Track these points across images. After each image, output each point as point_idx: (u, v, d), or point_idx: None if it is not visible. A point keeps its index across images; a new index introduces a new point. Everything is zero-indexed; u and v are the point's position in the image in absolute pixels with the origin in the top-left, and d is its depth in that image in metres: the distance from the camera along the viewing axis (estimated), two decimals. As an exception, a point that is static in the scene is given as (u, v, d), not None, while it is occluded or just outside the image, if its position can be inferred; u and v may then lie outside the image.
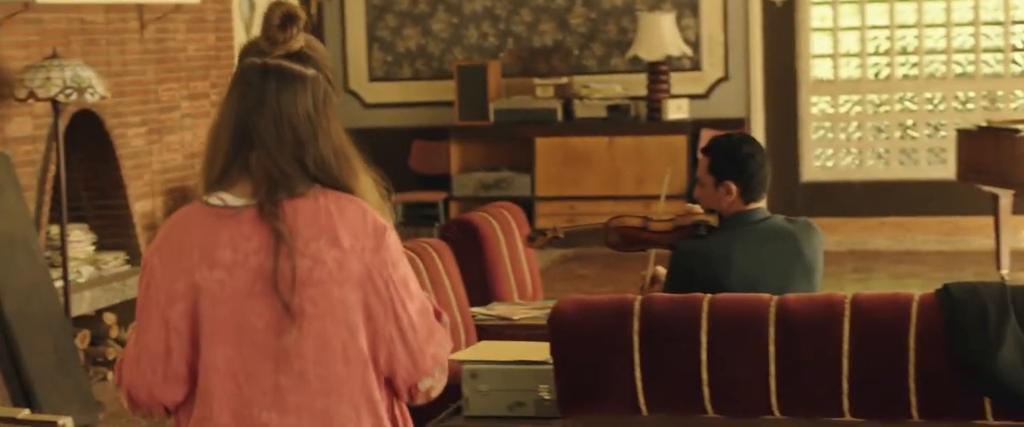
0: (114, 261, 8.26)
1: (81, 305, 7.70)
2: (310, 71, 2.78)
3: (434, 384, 2.81)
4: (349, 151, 2.81)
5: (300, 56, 2.79)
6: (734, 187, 4.83)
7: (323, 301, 2.71)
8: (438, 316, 2.84)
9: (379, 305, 2.74)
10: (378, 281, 2.74)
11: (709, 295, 4.23)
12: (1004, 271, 9.45)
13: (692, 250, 4.84)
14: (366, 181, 2.82)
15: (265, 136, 2.73)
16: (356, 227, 2.75)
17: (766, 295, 4.20)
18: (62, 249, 7.45)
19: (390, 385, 2.79)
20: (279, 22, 2.76)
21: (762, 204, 4.89)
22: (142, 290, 2.79)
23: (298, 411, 2.71)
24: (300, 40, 2.79)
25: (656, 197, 11.40)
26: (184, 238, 2.76)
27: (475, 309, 6.07)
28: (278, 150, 2.73)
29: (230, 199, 2.75)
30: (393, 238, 2.79)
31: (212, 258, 2.72)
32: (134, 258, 8.43)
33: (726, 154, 4.87)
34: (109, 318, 8.18)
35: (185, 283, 2.72)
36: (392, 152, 12.41)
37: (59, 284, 7.35)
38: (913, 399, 4.01)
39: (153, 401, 2.78)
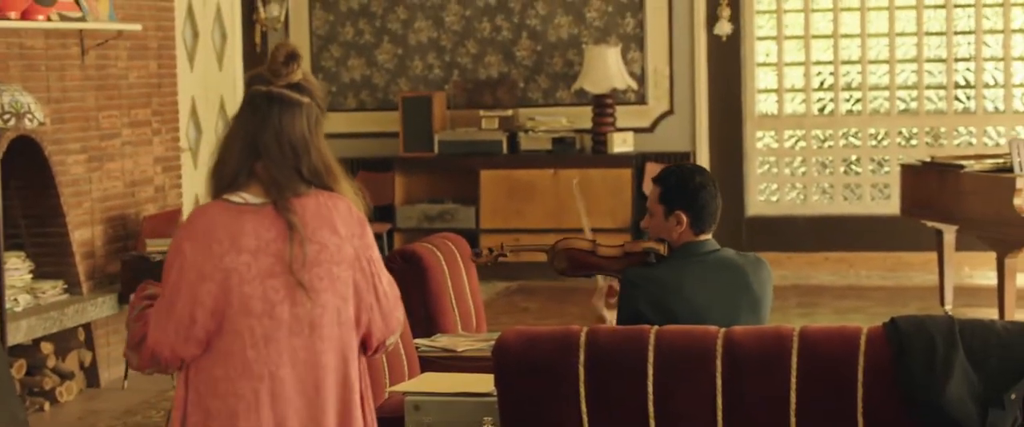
0: (52, 290, 8.14)
1: (17, 334, 7.57)
2: (306, 99, 3.49)
3: (394, 341, 3.64)
4: (332, 162, 3.53)
5: (298, 87, 3.49)
6: (684, 217, 4.81)
7: (327, 278, 3.48)
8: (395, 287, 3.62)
9: (363, 280, 3.53)
10: (363, 261, 3.54)
11: (655, 328, 4.19)
12: (948, 307, 9.47)
13: (642, 275, 4.80)
14: (346, 184, 3.55)
15: (270, 149, 3.45)
16: (347, 219, 3.52)
17: (713, 328, 4.17)
18: (-1, 277, 7.34)
19: (364, 342, 3.58)
20: (283, 59, 3.47)
21: (710, 236, 4.86)
22: (175, 271, 3.43)
23: (305, 365, 3.47)
24: (299, 74, 3.49)
25: (601, 230, 11.42)
26: (212, 228, 3.43)
27: (419, 340, 6.00)
28: (280, 160, 3.45)
29: (250, 198, 3.46)
30: (369, 227, 3.59)
31: (239, 245, 3.42)
32: (72, 287, 8.31)
33: (678, 184, 4.83)
34: (46, 347, 8.06)
35: (214, 266, 3.41)
36: (336, 183, 12.34)
37: (-5, 313, 7.23)
38: (861, 433, 3.98)
39: (174, 356, 3.45)
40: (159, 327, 3.45)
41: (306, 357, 3.48)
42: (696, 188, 4.82)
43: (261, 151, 3.45)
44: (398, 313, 3.62)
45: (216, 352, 3.45)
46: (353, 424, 3.54)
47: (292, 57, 3.48)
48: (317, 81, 3.56)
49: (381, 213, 12.13)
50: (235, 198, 3.46)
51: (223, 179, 3.49)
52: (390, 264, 6.32)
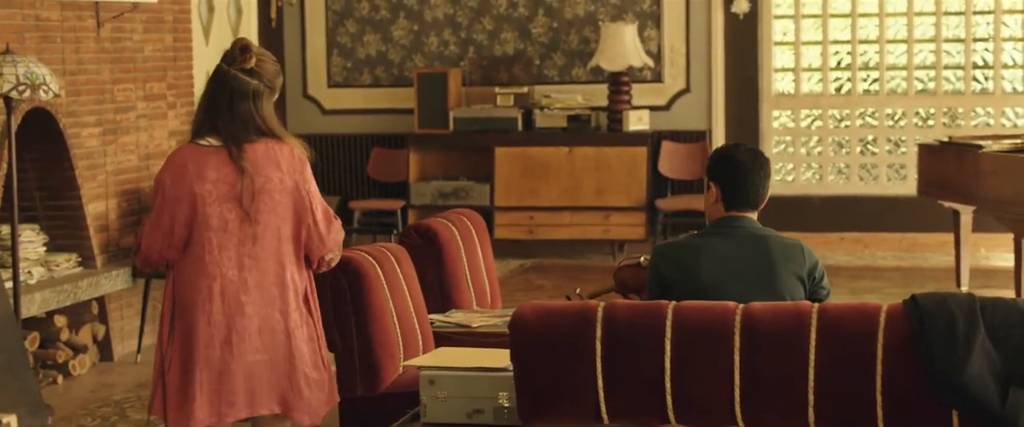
0: (66, 262, 8.13)
1: (31, 307, 7.56)
2: (254, 82, 4.66)
3: (333, 257, 4.76)
4: (275, 124, 4.71)
5: (250, 72, 4.67)
6: (715, 190, 4.84)
7: (269, 203, 4.63)
8: (336, 217, 4.77)
9: (302, 207, 4.67)
10: (301, 192, 4.67)
11: (673, 303, 4.16)
12: (964, 288, 9.43)
13: (667, 244, 4.92)
14: (291, 138, 4.73)
15: (223, 114, 4.66)
16: (289, 159, 4.68)
17: (732, 304, 4.14)
18: (13, 250, 7.31)
19: (308, 257, 4.71)
20: (239, 51, 4.68)
21: (749, 215, 4.86)
22: (159, 196, 4.62)
23: (250, 268, 4.62)
24: (252, 61, 4.67)
25: (615, 209, 11.39)
26: (184, 163, 4.61)
27: (433, 316, 5.98)
28: (231, 121, 4.64)
29: (213, 141, 4.63)
30: (308, 166, 4.71)
31: (203, 176, 4.59)
32: (86, 260, 8.30)
33: (716, 157, 4.92)
34: (59, 320, 8.05)
35: (186, 191, 4.58)
36: (350, 159, 12.31)
37: (9, 285, 7.21)
38: (879, 411, 3.95)
39: (160, 258, 4.65)
40: (149, 237, 4.65)
41: (250, 263, 4.61)
42: (732, 163, 4.84)
43: (219, 112, 4.63)
44: (334, 236, 4.71)
45: (187, 257, 4.61)
46: (289, 314, 4.65)
47: (245, 49, 4.67)
48: (272, 63, 4.73)
49: (395, 189, 12.10)
50: (202, 142, 4.63)
51: (194, 127, 4.69)
52: (405, 239, 6.32)
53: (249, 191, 4.58)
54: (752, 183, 4.82)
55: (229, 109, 4.62)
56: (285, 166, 4.64)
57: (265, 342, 4.63)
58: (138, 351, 8.45)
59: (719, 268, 4.68)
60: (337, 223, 4.76)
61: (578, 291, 6.04)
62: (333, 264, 4.78)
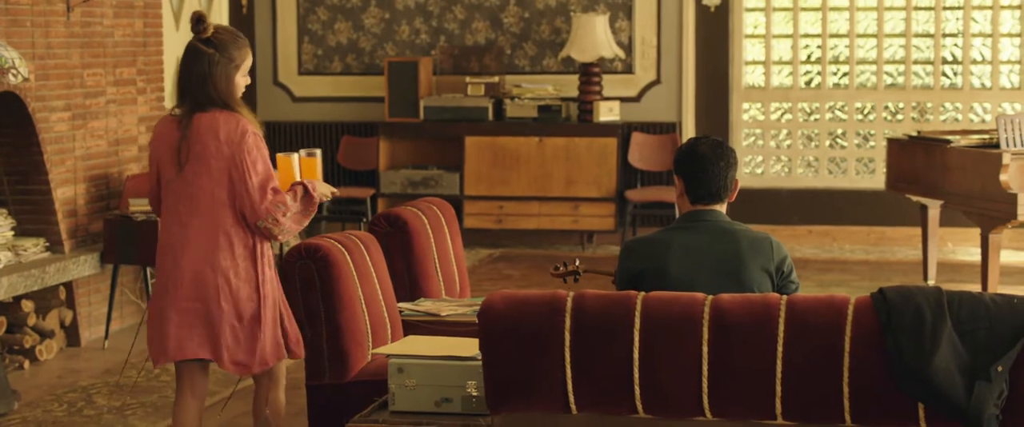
0: (33, 247, 8.10)
1: (-2, 291, 7.55)
2: (210, 50, 5.19)
3: (269, 227, 5.19)
4: (229, 95, 5.22)
5: (206, 41, 5.20)
6: (680, 183, 4.86)
7: (205, 168, 5.15)
8: (276, 191, 5.18)
9: (236, 173, 5.15)
10: (237, 160, 5.15)
11: (642, 294, 4.17)
12: (931, 282, 9.47)
13: (636, 239, 4.90)
14: (245, 110, 5.23)
15: (183, 80, 5.24)
16: (231, 129, 5.16)
17: (700, 295, 4.15)
18: (-20, 233, 7.30)
19: (246, 219, 5.18)
20: (193, 22, 5.21)
21: (717, 208, 4.86)
22: (148, 159, 5.69)
23: (186, 225, 5.18)
24: (207, 32, 5.21)
25: (585, 199, 11.40)
26: (158, 131, 5.29)
27: (402, 304, 5.98)
28: (188, 88, 5.22)
29: (177, 111, 5.24)
30: (251, 138, 5.17)
31: (163, 141, 5.24)
32: (54, 245, 8.27)
33: (681, 150, 4.90)
34: (27, 305, 8.03)
35: (154, 154, 5.28)
36: (320, 146, 12.29)
37: (-24, 269, 7.19)
38: (846, 403, 3.96)
39: (156, 210, 5.35)
40: (148, 192, 5.42)
41: (186, 220, 5.17)
42: (692, 156, 4.84)
43: (182, 81, 5.21)
44: (265, 206, 5.15)
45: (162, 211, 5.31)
46: (219, 269, 5.16)
47: (199, 20, 5.19)
48: (231, 36, 5.25)
49: (365, 178, 12.09)
50: (173, 111, 5.26)
51: (175, 99, 5.32)
52: (375, 227, 6.31)
53: (185, 155, 5.14)
54: (714, 176, 4.81)
55: (187, 76, 5.19)
56: (223, 136, 5.12)
57: (197, 292, 5.16)
58: (106, 337, 8.43)
59: (687, 262, 4.69)
60: (276, 196, 5.16)
61: (577, 262, 5.99)
62: (273, 235, 5.20)
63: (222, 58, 5.16)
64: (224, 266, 5.16)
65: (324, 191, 5.39)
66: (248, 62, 5.28)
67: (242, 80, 5.26)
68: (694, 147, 4.86)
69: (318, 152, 5.59)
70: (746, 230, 4.84)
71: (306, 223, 5.35)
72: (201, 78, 5.14)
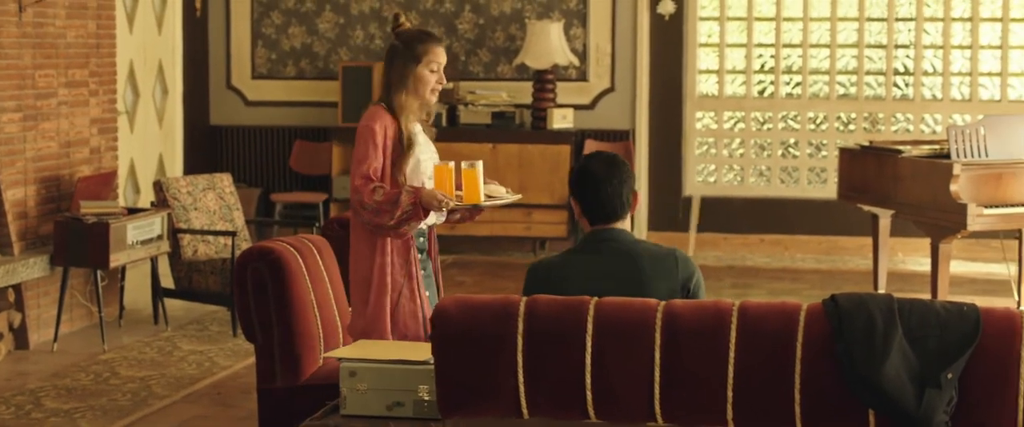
0: (-18, 249, 8.05)
1: (-54, 293, 7.49)
2: (394, 42, 5.61)
3: (357, 210, 5.48)
4: (385, 86, 5.63)
5: (396, 33, 5.64)
6: (576, 205, 4.73)
7: None
8: (366, 179, 5.44)
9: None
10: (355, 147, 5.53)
11: (595, 298, 4.17)
12: (881, 291, 9.51)
13: (538, 264, 4.75)
14: (377, 103, 5.64)
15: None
16: (362, 120, 5.56)
17: (653, 300, 4.15)
18: (-71, 234, 7.24)
19: None
20: (392, 17, 5.71)
21: (619, 225, 4.70)
22: None
23: None
24: (399, 25, 5.67)
25: (538, 206, 11.40)
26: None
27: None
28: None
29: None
30: (365, 131, 5.48)
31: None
32: (3, 247, 8.21)
33: (575, 171, 4.75)
34: (-25, 307, 7.97)
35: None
36: (273, 151, 12.26)
37: (-76, 270, 7.14)
38: (797, 409, 3.98)
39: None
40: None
41: None
42: (584, 176, 4.69)
43: None
44: (351, 190, 5.50)
45: None
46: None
47: (396, 16, 5.67)
48: (413, 28, 5.68)
49: (317, 183, 12.06)
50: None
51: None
52: (327, 231, 6.30)
53: None
54: (607, 195, 4.66)
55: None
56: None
57: None
58: (55, 339, 8.38)
59: (588, 286, 4.47)
60: (363, 184, 5.44)
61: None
62: (363, 219, 5.50)
63: (401, 48, 5.53)
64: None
65: (430, 198, 5.44)
66: (432, 57, 5.56)
67: (425, 73, 5.55)
68: (586, 167, 4.70)
69: (479, 164, 5.59)
70: (649, 248, 4.67)
71: (404, 224, 5.47)
72: (384, 69, 5.59)
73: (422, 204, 5.41)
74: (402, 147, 5.52)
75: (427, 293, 5.65)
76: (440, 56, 5.58)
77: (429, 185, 5.54)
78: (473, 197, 5.55)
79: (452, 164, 5.57)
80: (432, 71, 5.56)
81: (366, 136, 5.46)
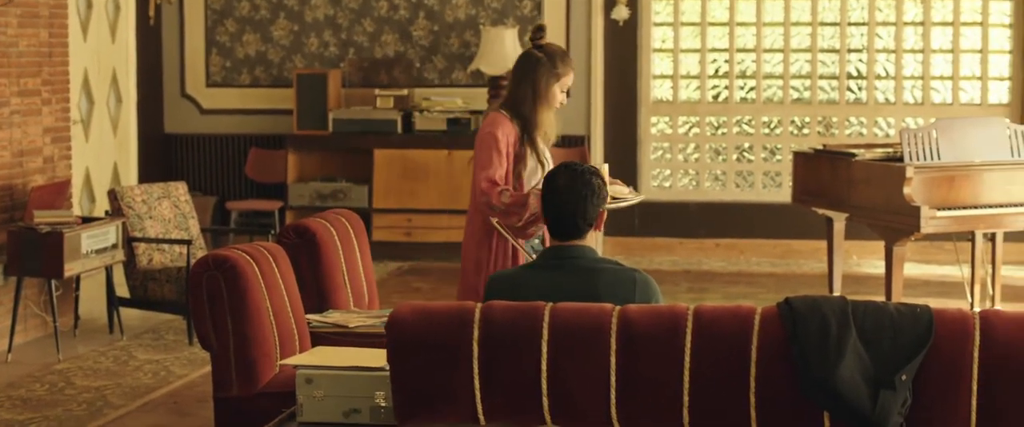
0: (-65, 260, 8.00)
1: (-101, 304, 7.43)
2: (535, 54, 5.97)
3: (487, 210, 5.81)
4: (509, 95, 6.00)
5: (537, 47, 6.01)
6: (545, 220, 4.67)
7: None
8: (492, 183, 5.77)
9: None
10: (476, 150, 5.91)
11: (550, 304, 4.18)
12: (836, 295, 9.55)
13: (499, 276, 4.72)
14: (498, 109, 5.95)
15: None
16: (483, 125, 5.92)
17: (608, 305, 4.16)
18: None
19: None
20: (533, 31, 6.13)
21: (581, 243, 4.63)
22: None
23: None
24: (539, 39, 6.01)
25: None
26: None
27: (310, 316, 5.96)
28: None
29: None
30: (487, 137, 5.81)
31: None
32: (-44, 257, 8.16)
33: (544, 184, 4.68)
34: (-72, 318, 7.91)
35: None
36: (228, 159, 12.22)
37: None
38: (753, 413, 3.99)
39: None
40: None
41: None
42: (548, 190, 4.62)
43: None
44: (476, 192, 5.88)
45: None
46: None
47: (538, 28, 6.02)
48: (554, 45, 5.97)
49: (273, 190, 12.03)
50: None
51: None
52: (283, 239, 6.29)
53: None
54: (569, 212, 4.57)
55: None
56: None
57: None
58: (9, 350, 8.33)
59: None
60: (490, 187, 5.76)
61: None
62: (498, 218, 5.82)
63: (543, 59, 5.86)
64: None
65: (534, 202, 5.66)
66: (568, 78, 5.92)
67: (558, 90, 5.90)
68: (551, 180, 4.62)
69: (605, 165, 5.47)
70: (611, 269, 4.58)
71: (531, 225, 5.78)
72: (516, 78, 5.93)
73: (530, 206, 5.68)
74: (523, 152, 5.89)
75: None
76: (572, 78, 5.99)
77: None
78: None
79: None
80: (563, 90, 5.95)
81: (488, 142, 5.80)
